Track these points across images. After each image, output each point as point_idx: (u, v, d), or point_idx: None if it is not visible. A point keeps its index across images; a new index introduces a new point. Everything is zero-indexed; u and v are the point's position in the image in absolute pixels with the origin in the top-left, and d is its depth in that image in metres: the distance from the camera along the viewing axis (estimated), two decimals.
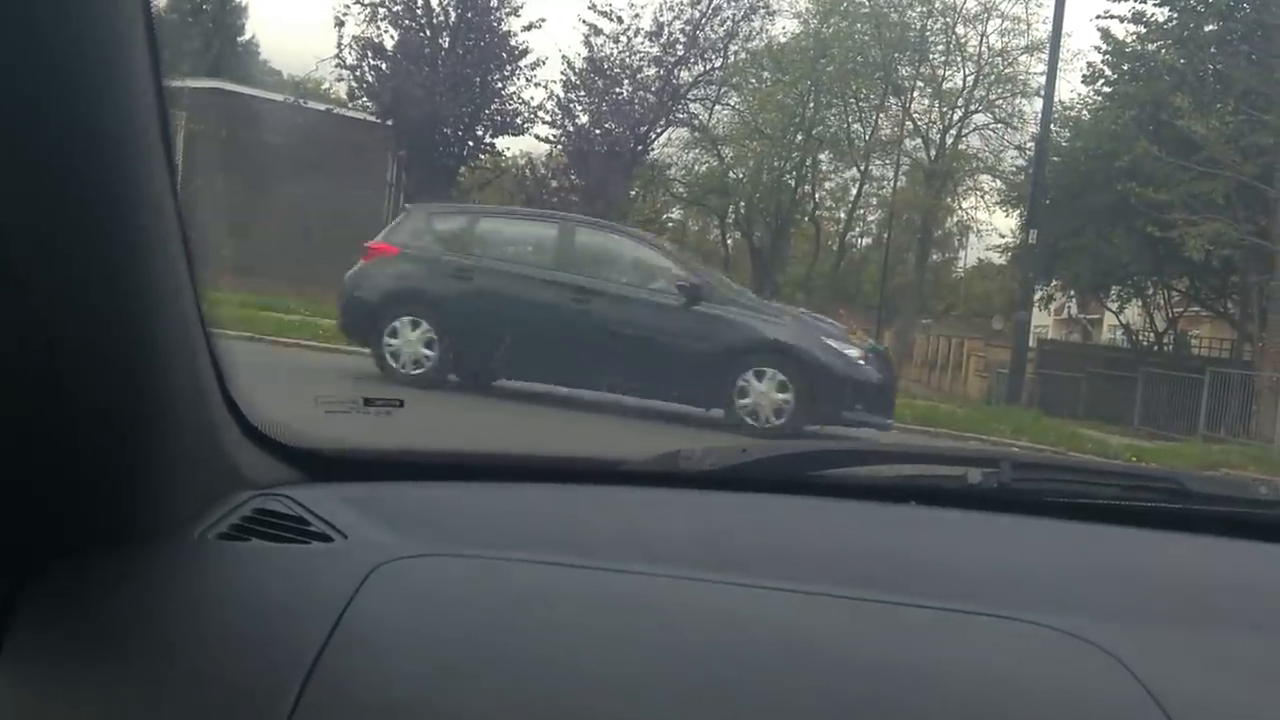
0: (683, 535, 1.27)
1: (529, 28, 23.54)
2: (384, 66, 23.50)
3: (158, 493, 1.05)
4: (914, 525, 1.38)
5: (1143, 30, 20.35)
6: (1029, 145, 24.45)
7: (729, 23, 24.63)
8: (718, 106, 27.88)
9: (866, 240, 35.05)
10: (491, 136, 24.81)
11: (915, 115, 28.82)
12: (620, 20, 23.89)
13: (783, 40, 26.67)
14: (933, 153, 28.75)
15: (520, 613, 1.03)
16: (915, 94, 28.59)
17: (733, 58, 25.71)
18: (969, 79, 28.31)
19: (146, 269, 0.93)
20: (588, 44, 24.23)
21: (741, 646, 1.00)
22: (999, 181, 27.85)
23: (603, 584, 1.09)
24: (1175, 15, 19.66)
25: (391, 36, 23.36)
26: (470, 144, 24.76)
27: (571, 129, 24.62)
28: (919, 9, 27.75)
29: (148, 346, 0.96)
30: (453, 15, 23.36)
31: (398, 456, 1.45)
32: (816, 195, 30.30)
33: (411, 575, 1.06)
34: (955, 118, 28.52)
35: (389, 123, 23.72)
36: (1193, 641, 1.10)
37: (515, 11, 23.51)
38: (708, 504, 1.39)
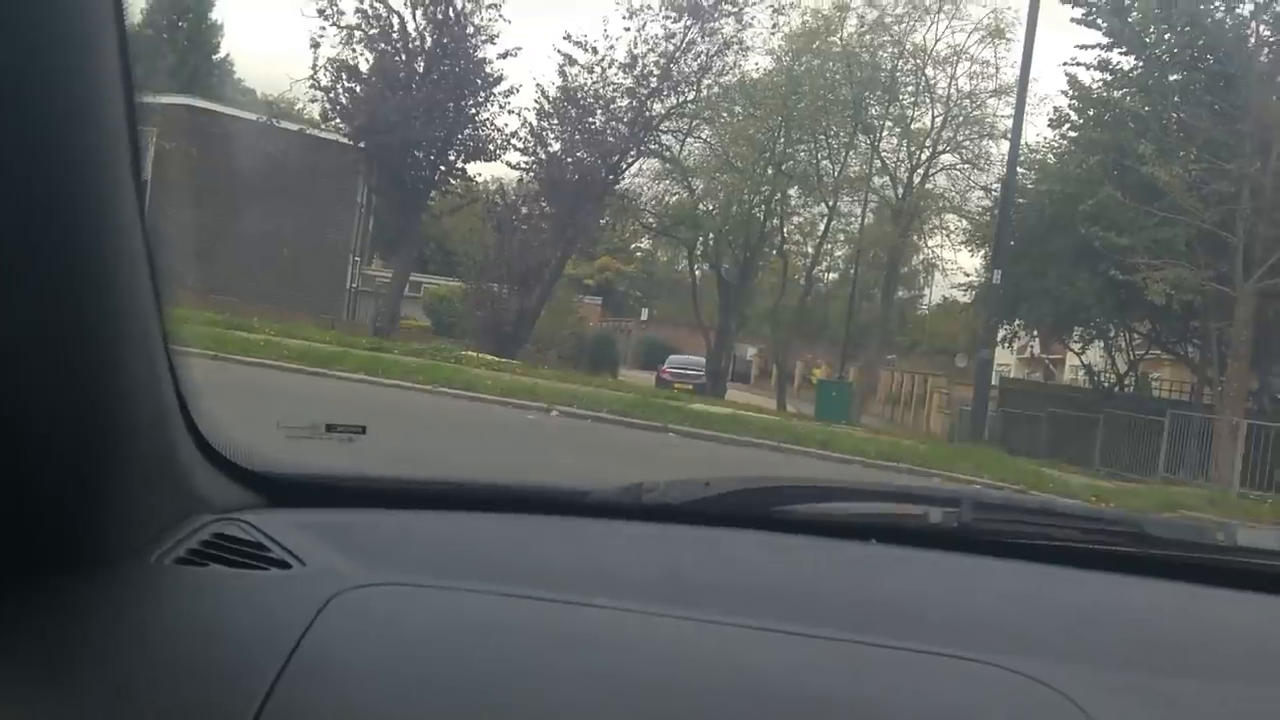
0: (644, 569, 1.27)
1: (504, 55, 23.67)
2: (358, 89, 23.48)
3: (115, 516, 1.04)
4: (874, 563, 1.39)
5: (1109, 78, 20.71)
6: (995, 186, 24.80)
7: (702, 57, 24.85)
8: (689, 139, 28.10)
9: (833, 275, 35.35)
10: (463, 162, 24.85)
11: (884, 154, 29.18)
12: (595, 51, 24.11)
13: (755, 76, 26.96)
14: (900, 191, 29.04)
15: (479, 646, 1.02)
16: (884, 133, 28.93)
17: (705, 91, 25.93)
18: (937, 120, 28.73)
19: (111, 293, 0.92)
20: (562, 73, 24.40)
21: (700, 682, 1.00)
22: (965, 221, 28.23)
23: (562, 618, 1.08)
24: (1141, 64, 20.04)
25: (367, 60, 23.41)
26: (442, 168, 24.77)
27: (544, 156, 24.70)
28: (890, 50, 28.16)
29: (110, 370, 0.95)
30: (429, 40, 23.40)
31: (360, 483, 1.43)
32: (785, 229, 30.50)
33: (370, 605, 1.05)
34: (923, 157, 28.87)
35: (361, 145, 23.66)
36: (1146, 686, 1.10)
37: (491, 39, 23.69)
38: (670, 538, 1.39)
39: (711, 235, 30.01)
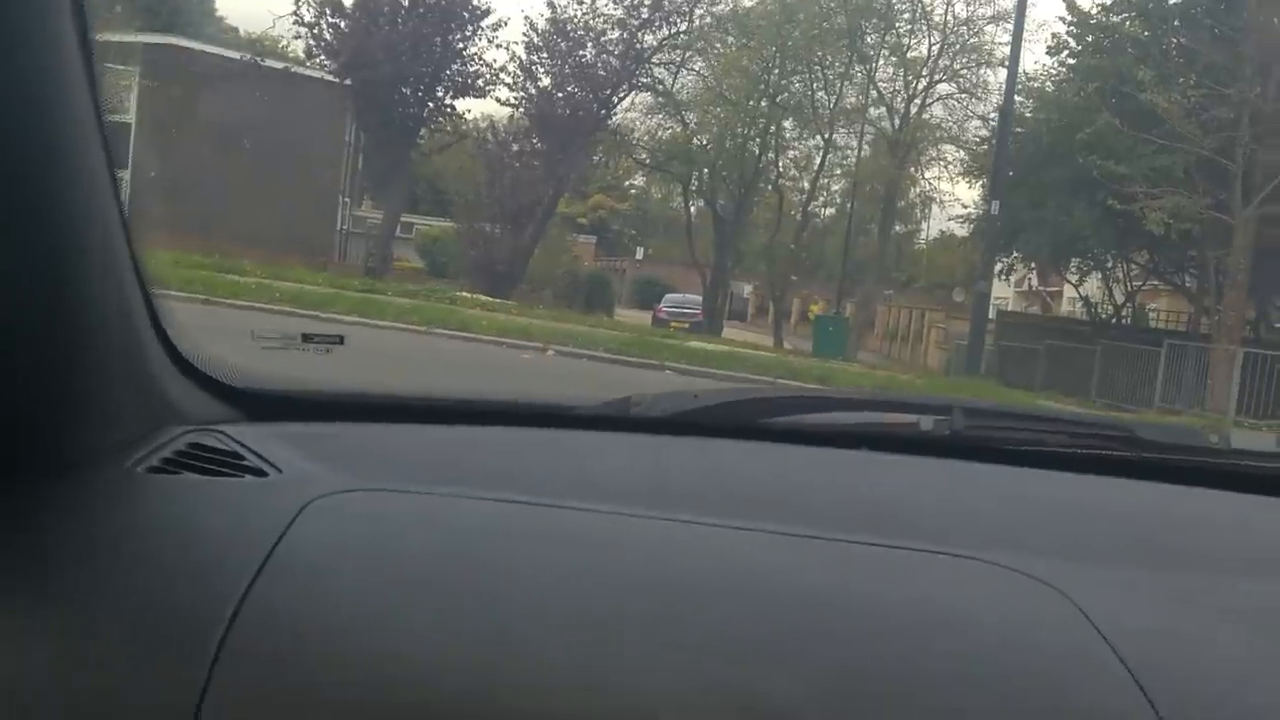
0: (630, 475, 1.25)
1: None
2: (342, 24, 23.09)
3: (86, 424, 1.04)
4: (864, 469, 1.38)
5: (1107, 2, 20.37)
6: (992, 116, 24.53)
7: None
8: (682, 71, 27.68)
9: (830, 210, 35.02)
10: (452, 98, 24.54)
11: (880, 84, 28.73)
12: None
13: (748, 4, 26.48)
14: (897, 122, 28.67)
15: (458, 546, 1.01)
16: (880, 62, 28.48)
17: (698, 21, 25.52)
18: (934, 48, 28.26)
19: (69, 198, 0.92)
20: (551, 5, 23.97)
21: (686, 580, 0.99)
22: (962, 152, 27.95)
23: (545, 519, 1.07)
24: None
25: None
26: (430, 105, 24.44)
27: (533, 92, 24.36)
28: None
29: (71, 276, 0.95)
30: None
31: (338, 397, 1.41)
32: (780, 164, 30.15)
33: (348, 509, 1.04)
34: (920, 87, 28.46)
35: (347, 82, 23.29)
36: (1139, 579, 1.10)
37: None
38: (657, 447, 1.37)
39: (706, 170, 29.70)
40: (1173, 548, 1.23)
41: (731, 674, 0.88)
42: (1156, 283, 25.29)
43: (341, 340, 1.66)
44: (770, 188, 30.40)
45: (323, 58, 23.62)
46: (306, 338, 1.64)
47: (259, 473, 1.11)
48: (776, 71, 27.38)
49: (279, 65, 24.74)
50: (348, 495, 1.06)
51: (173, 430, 1.16)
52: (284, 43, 27.95)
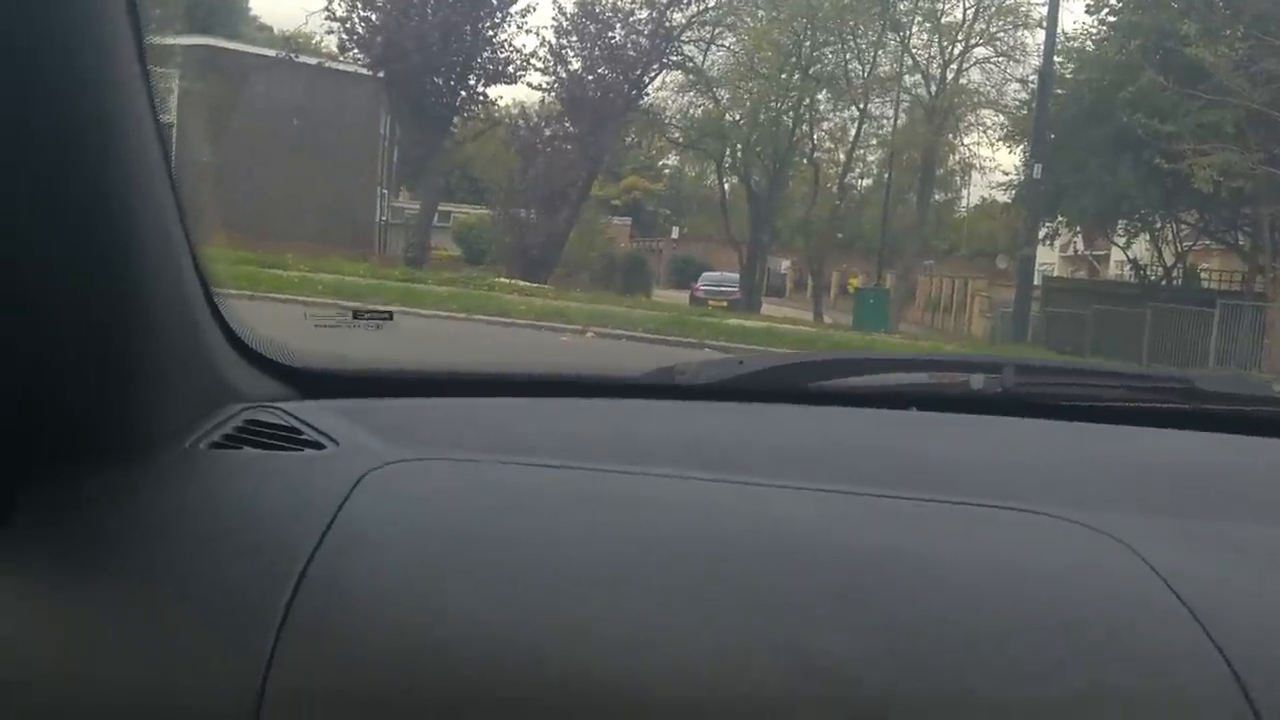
0: (676, 440, 1.25)
1: None
2: (373, 18, 23.13)
3: (146, 404, 1.05)
4: (914, 428, 1.36)
5: None
6: (1031, 78, 24.00)
7: None
8: (712, 48, 27.45)
9: (867, 181, 34.54)
10: (484, 85, 24.52)
11: (914, 50, 28.28)
12: None
13: None
14: (933, 89, 28.23)
15: (510, 511, 1.02)
16: (914, 29, 28.03)
17: None
18: (969, 11, 27.73)
19: (125, 183, 0.94)
20: None
21: (734, 539, 0.99)
22: (1001, 116, 27.44)
23: (594, 483, 1.09)
24: None
25: None
26: (463, 94, 24.45)
27: (564, 75, 24.28)
28: None
29: (132, 264, 0.97)
30: None
31: (390, 373, 1.44)
32: (815, 136, 29.84)
33: (403, 479, 1.06)
34: (955, 52, 27.98)
35: (380, 75, 23.37)
36: (1204, 530, 1.08)
37: None
38: (703, 413, 1.37)
39: (739, 146, 29.47)
40: (1233, 497, 1.20)
41: (784, 632, 0.88)
42: (1208, 242, 24.76)
43: (390, 316, 1.73)
44: (805, 161, 30.11)
45: (355, 51, 23.71)
46: (357, 314, 1.73)
47: (317, 445, 1.14)
48: (808, 43, 27.06)
49: (313, 61, 24.89)
50: (403, 465, 1.08)
51: (231, 408, 1.18)
52: (317, 38, 28.11)
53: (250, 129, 23.05)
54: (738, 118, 28.68)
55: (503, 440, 1.22)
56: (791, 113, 28.22)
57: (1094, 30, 22.39)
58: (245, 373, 1.25)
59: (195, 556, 0.93)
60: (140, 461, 1.03)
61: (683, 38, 25.65)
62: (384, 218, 30.41)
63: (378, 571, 0.92)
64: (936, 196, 33.68)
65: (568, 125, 24.57)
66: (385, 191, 30.63)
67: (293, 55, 24.39)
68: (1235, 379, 1.96)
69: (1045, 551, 1.01)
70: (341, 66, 25.03)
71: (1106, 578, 0.97)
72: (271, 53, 24.61)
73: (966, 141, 30.43)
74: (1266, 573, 1.02)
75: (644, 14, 24.13)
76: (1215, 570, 1.00)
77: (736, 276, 30.87)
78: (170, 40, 23.54)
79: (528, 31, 24.75)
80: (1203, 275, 26.83)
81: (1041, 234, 22.90)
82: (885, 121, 29.36)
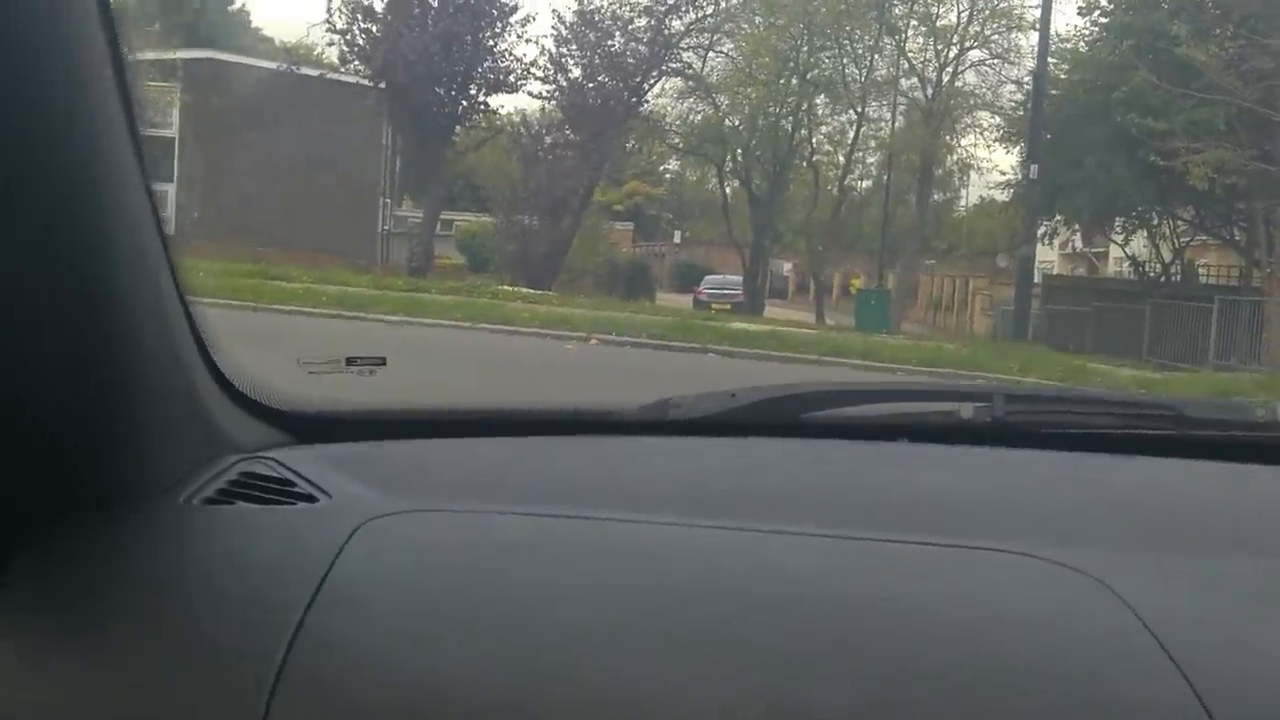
0: (671, 482, 1.25)
1: None
2: (374, 29, 23.28)
3: (140, 458, 1.05)
4: (905, 462, 1.36)
5: None
6: (1026, 80, 24.17)
7: None
8: (711, 54, 27.60)
9: (866, 183, 34.64)
10: (485, 95, 24.64)
11: (910, 54, 28.45)
12: None
13: None
14: (929, 91, 28.40)
15: (506, 563, 1.01)
16: (910, 33, 28.21)
17: (724, 3, 25.42)
18: (963, 15, 27.90)
19: (112, 233, 0.93)
20: None
21: (730, 589, 0.99)
22: (997, 118, 27.56)
23: (590, 532, 1.08)
24: None
25: None
26: (464, 103, 24.58)
27: (564, 84, 24.42)
28: None
29: (119, 313, 0.96)
30: None
31: (384, 415, 1.42)
32: (814, 140, 30.01)
33: (396, 531, 1.05)
34: (951, 55, 28.14)
35: (382, 85, 23.53)
36: (1186, 566, 1.08)
37: None
38: (697, 450, 1.37)
39: (739, 151, 29.62)
40: (1221, 531, 1.19)
41: (777, 687, 0.88)
42: (1204, 238, 24.84)
43: (384, 361, 1.68)
44: (805, 164, 30.24)
45: (356, 63, 23.87)
46: (350, 361, 1.67)
47: (310, 499, 1.13)
48: (805, 49, 27.22)
49: (314, 73, 25.07)
50: (396, 517, 1.07)
51: (226, 459, 1.17)
52: (319, 50, 28.28)
53: (253, 141, 23.23)
54: (737, 123, 28.81)
55: (498, 485, 1.22)
56: (790, 117, 28.37)
57: (1086, 32, 22.52)
58: (238, 419, 1.24)
59: (189, 615, 0.93)
60: (133, 518, 1.03)
61: (681, 45, 25.79)
62: (387, 227, 30.55)
63: (371, 629, 0.92)
64: (935, 197, 33.81)
65: (569, 132, 24.71)
66: (388, 201, 30.79)
67: (294, 67, 24.59)
68: (1222, 404, 1.98)
69: (1026, 594, 1.01)
70: (343, 78, 25.20)
71: (1085, 620, 0.97)
72: (273, 65, 24.81)
73: (964, 143, 30.57)
74: (1247, 609, 1.01)
75: (643, 21, 24.30)
76: (1200, 612, 1.00)
77: (739, 279, 30.99)
78: (171, 55, 23.75)
79: (528, 41, 24.90)
80: (1200, 271, 26.92)
81: (1040, 232, 23.01)
82: (883, 124, 29.56)
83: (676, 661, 0.89)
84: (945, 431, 1.43)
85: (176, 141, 24.24)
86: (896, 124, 29.27)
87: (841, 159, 30.53)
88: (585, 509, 1.12)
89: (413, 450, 1.34)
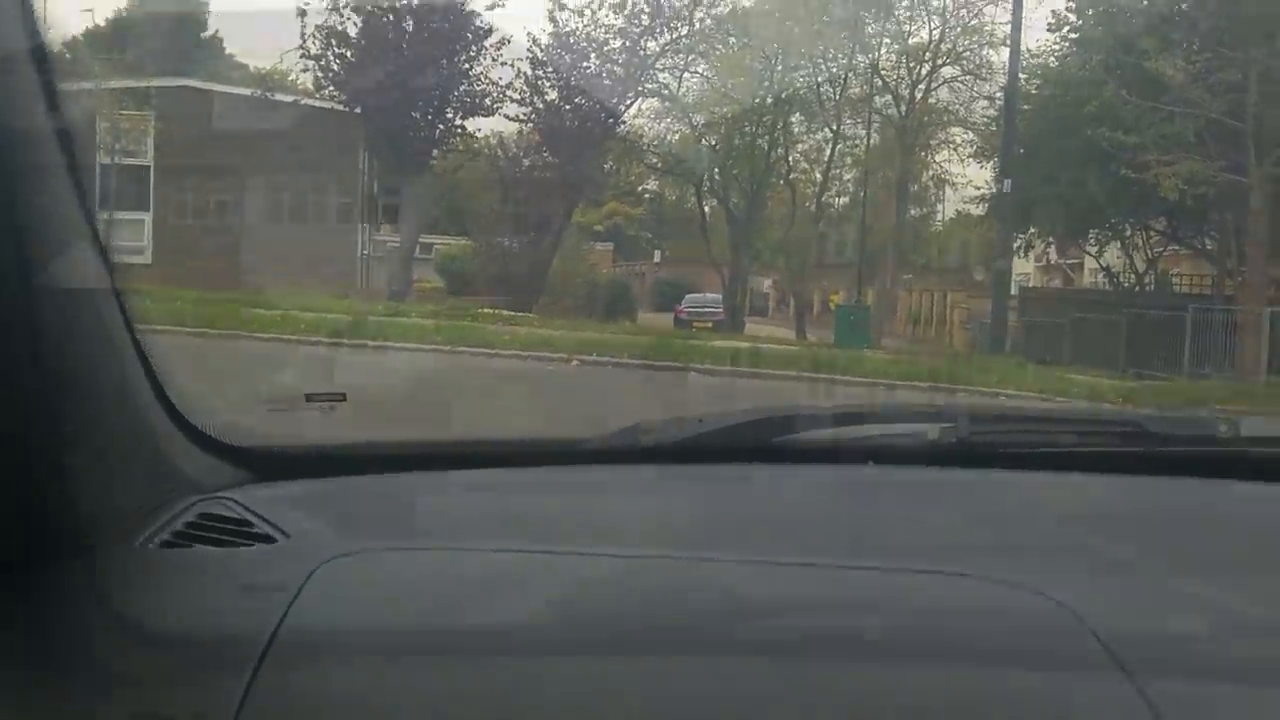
0: (641, 512, 1.25)
1: (491, 7, 23.35)
2: (349, 54, 23.27)
3: (97, 504, 1.04)
4: (872, 486, 1.37)
5: None
6: (998, 96, 24.41)
7: None
8: (686, 75, 27.75)
9: (843, 200, 34.90)
10: (462, 118, 24.67)
11: (884, 72, 28.68)
12: None
13: (747, 4, 26.53)
14: (903, 108, 28.64)
15: (463, 603, 1.01)
16: (883, 51, 28.47)
17: (698, 25, 25.56)
18: (935, 32, 28.19)
19: (46, 270, 0.92)
20: (552, 20, 24.13)
21: (694, 622, 0.99)
22: (971, 133, 27.87)
23: (553, 566, 1.07)
24: None
25: (355, 24, 23.14)
26: (441, 127, 24.60)
27: (541, 106, 24.49)
28: None
29: (68, 361, 0.95)
30: None
31: (345, 450, 1.41)
32: (790, 158, 30.19)
33: (354, 571, 1.05)
34: (924, 72, 28.37)
35: (358, 110, 23.52)
36: (1147, 584, 1.09)
37: None
38: (667, 478, 1.37)
39: (717, 170, 29.74)
40: (1182, 547, 1.21)
41: (745, 715, 0.88)
42: (1177, 248, 25.09)
43: (344, 397, 1.67)
44: (782, 182, 30.40)
45: (332, 88, 23.86)
46: (310, 398, 1.65)
47: (268, 539, 1.11)
48: (779, 68, 27.40)
49: (289, 99, 25.04)
50: (355, 557, 1.06)
51: (184, 500, 1.16)
52: (293, 76, 28.27)
53: (229, 168, 23.16)
54: (714, 142, 28.96)
55: (459, 520, 1.21)
56: (766, 136, 28.52)
57: (1056, 47, 22.77)
58: (197, 459, 1.22)
59: (146, 661, 0.92)
60: (91, 563, 1.01)
61: (657, 66, 25.94)
62: (366, 251, 30.49)
63: (327, 674, 0.90)
64: (912, 212, 34.03)
65: (546, 155, 24.77)
66: (366, 225, 30.75)
67: (269, 94, 24.57)
68: (1183, 419, 2.09)
69: (986, 618, 1.02)
70: (318, 103, 25.19)
71: (1046, 643, 0.98)
72: (247, 92, 24.77)
73: (938, 159, 30.84)
74: (1206, 624, 1.02)
75: (618, 44, 24.42)
76: (1152, 626, 1.01)
77: (719, 297, 31.04)
78: (144, 83, 23.69)
79: (504, 64, 24.87)
80: (1174, 280, 27.19)
81: (1015, 245, 23.20)
82: (858, 142, 29.73)
83: (639, 695, 0.89)
84: (911, 453, 1.44)
85: (152, 170, 24.16)
86: (872, 141, 29.48)
87: (819, 176, 30.70)
88: (550, 543, 1.11)
89: (375, 486, 1.32)
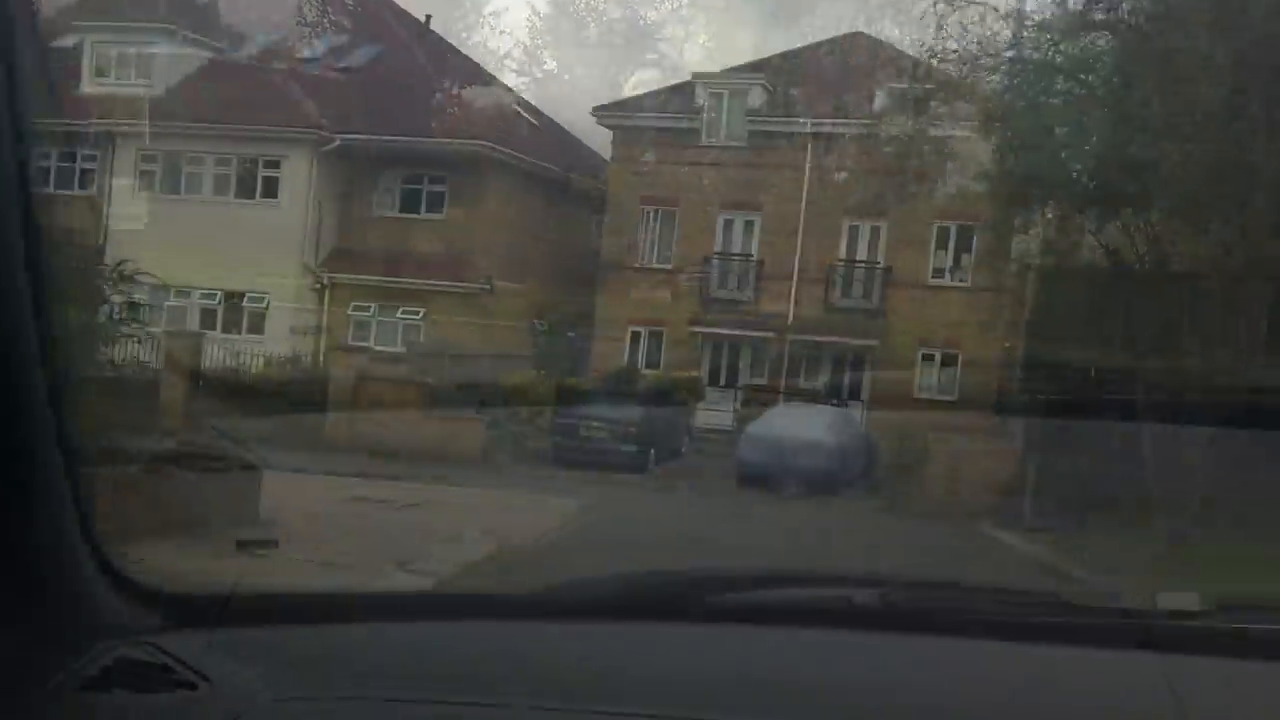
0: (564, 669, 1.26)
1: None
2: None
3: (13, 644, 1.02)
4: (796, 649, 1.39)
5: None
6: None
7: None
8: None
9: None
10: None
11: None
12: None
13: None
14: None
15: None
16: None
17: None
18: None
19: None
20: None
21: None
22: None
23: None
24: None
25: None
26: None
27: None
28: None
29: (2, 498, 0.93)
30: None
31: (269, 598, 1.40)
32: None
33: None
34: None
35: None
36: None
37: None
38: (593, 635, 1.38)
39: None
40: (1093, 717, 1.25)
41: None
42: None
43: (276, 544, 1.63)
44: None
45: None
46: (241, 545, 1.63)
47: (189, 685, 1.09)
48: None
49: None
50: (276, 706, 1.05)
51: (102, 645, 1.13)
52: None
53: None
54: None
55: (384, 672, 1.19)
56: None
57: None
58: (120, 602, 1.20)
59: None
60: (6, 703, 0.99)
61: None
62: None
63: None
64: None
65: None
66: None
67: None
68: (1101, 594, 2.08)
69: None
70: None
71: None
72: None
73: None
74: None
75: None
76: None
77: None
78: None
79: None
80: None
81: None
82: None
83: None
84: (839, 617, 1.47)
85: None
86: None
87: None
88: (475, 696, 1.12)
89: (299, 635, 1.31)
